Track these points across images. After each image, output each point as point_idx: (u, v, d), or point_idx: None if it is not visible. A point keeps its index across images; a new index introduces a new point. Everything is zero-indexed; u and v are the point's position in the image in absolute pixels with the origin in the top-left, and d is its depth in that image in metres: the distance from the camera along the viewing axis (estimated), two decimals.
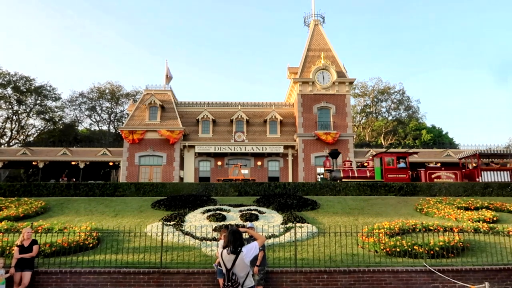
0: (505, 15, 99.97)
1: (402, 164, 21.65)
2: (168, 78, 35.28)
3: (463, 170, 22.67)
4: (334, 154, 23.70)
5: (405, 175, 21.27)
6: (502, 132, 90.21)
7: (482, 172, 20.88)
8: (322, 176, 27.40)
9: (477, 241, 11.30)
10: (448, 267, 9.66)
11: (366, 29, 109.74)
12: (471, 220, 13.09)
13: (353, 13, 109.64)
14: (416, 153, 26.32)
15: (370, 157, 24.28)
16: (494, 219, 13.29)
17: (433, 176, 21.56)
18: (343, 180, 20.93)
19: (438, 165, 29.59)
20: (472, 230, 11.84)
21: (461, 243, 10.62)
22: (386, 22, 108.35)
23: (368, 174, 21.98)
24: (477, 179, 20.67)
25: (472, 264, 9.83)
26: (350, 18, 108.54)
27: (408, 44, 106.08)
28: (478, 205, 15.06)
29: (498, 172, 20.80)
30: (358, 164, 29.20)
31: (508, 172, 20.87)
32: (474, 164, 22.94)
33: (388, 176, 21.22)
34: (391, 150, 23.80)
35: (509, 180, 20.34)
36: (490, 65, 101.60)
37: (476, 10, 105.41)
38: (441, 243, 10.41)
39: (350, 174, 21.85)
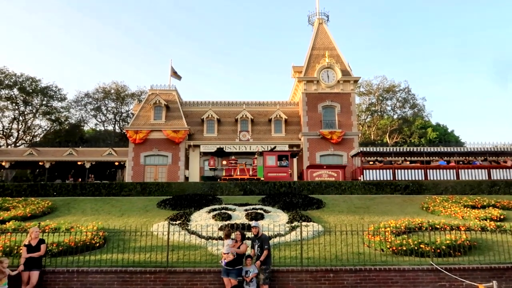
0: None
1: (284, 163, 22.20)
2: (177, 76, 35.43)
3: (353, 169, 22.90)
4: (219, 153, 24.05)
5: (285, 174, 21.87)
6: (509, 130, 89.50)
7: (364, 170, 20.95)
8: (204, 175, 28.09)
9: (484, 239, 11.23)
10: (455, 265, 9.62)
11: (370, 27, 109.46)
12: (478, 218, 13.02)
13: (357, 11, 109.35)
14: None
15: (255, 156, 24.55)
16: (501, 217, 13.21)
17: (314, 174, 22.10)
18: (222, 179, 21.32)
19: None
20: (479, 229, 11.77)
21: (468, 242, 10.57)
22: (389, 20, 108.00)
23: (250, 173, 22.30)
24: (359, 178, 20.83)
25: (479, 263, 9.77)
26: (354, 16, 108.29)
27: (412, 43, 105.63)
28: (485, 203, 14.98)
29: (380, 170, 20.88)
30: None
31: (390, 170, 20.90)
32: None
33: (269, 174, 21.74)
34: (276, 149, 24.29)
35: (391, 178, 20.20)
36: (495, 62, 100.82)
37: (477, 8, 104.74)
38: (447, 242, 10.37)
39: (232, 173, 22.17)
